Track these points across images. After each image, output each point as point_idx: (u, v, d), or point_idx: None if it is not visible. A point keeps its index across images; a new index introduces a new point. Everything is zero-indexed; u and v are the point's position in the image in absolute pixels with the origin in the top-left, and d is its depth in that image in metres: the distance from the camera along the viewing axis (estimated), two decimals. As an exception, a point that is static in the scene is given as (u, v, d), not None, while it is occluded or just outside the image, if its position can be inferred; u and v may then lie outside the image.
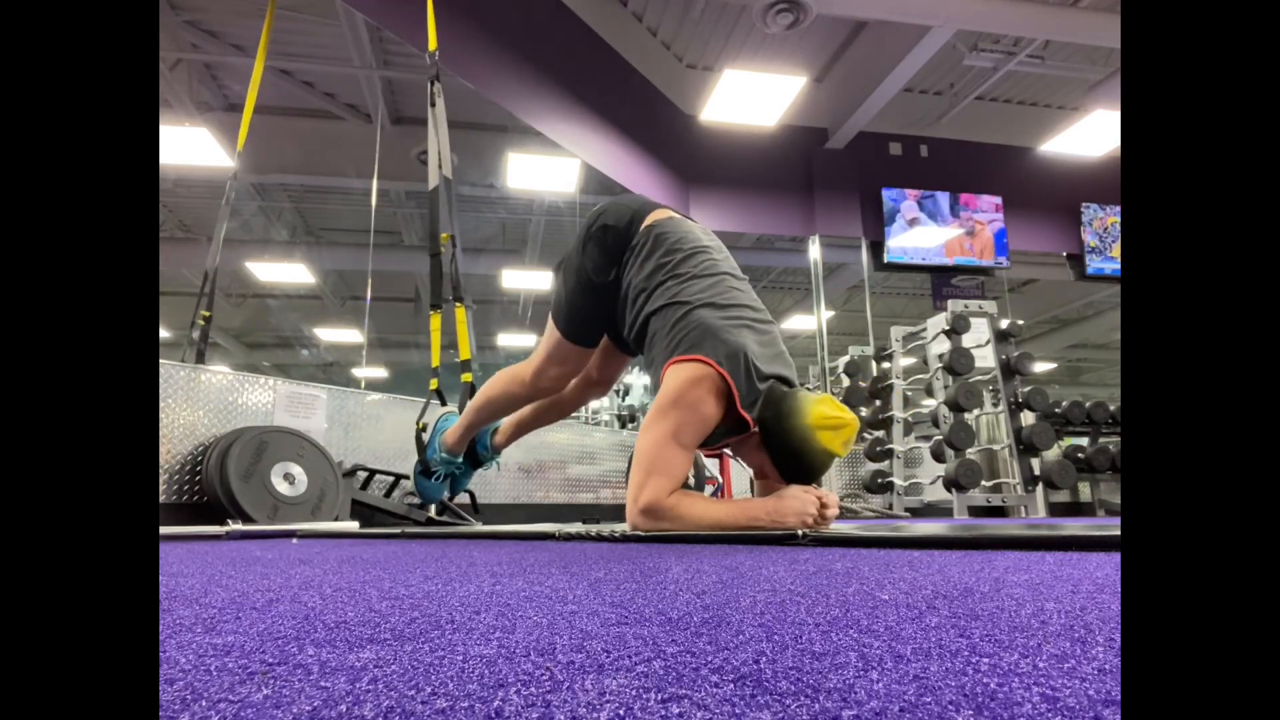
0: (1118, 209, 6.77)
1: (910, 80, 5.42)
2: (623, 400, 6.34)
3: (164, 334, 9.19)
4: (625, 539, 1.29)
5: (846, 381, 5.15)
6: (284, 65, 5.52)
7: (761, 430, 1.36)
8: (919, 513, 4.53)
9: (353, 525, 2.09)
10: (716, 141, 5.91)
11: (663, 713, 0.28)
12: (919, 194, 6.18)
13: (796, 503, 1.34)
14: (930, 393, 4.40)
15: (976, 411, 4.20)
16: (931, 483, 4.31)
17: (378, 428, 2.76)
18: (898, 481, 4.58)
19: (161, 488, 2.14)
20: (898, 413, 4.69)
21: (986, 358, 4.35)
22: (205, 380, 2.33)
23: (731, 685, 0.32)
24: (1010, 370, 4.28)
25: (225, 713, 0.29)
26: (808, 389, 1.44)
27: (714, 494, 3.74)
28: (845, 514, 3.57)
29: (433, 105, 2.73)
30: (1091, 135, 6.08)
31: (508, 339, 11.12)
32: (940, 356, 4.31)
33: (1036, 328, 10.50)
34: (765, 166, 6.05)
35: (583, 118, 4.83)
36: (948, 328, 4.33)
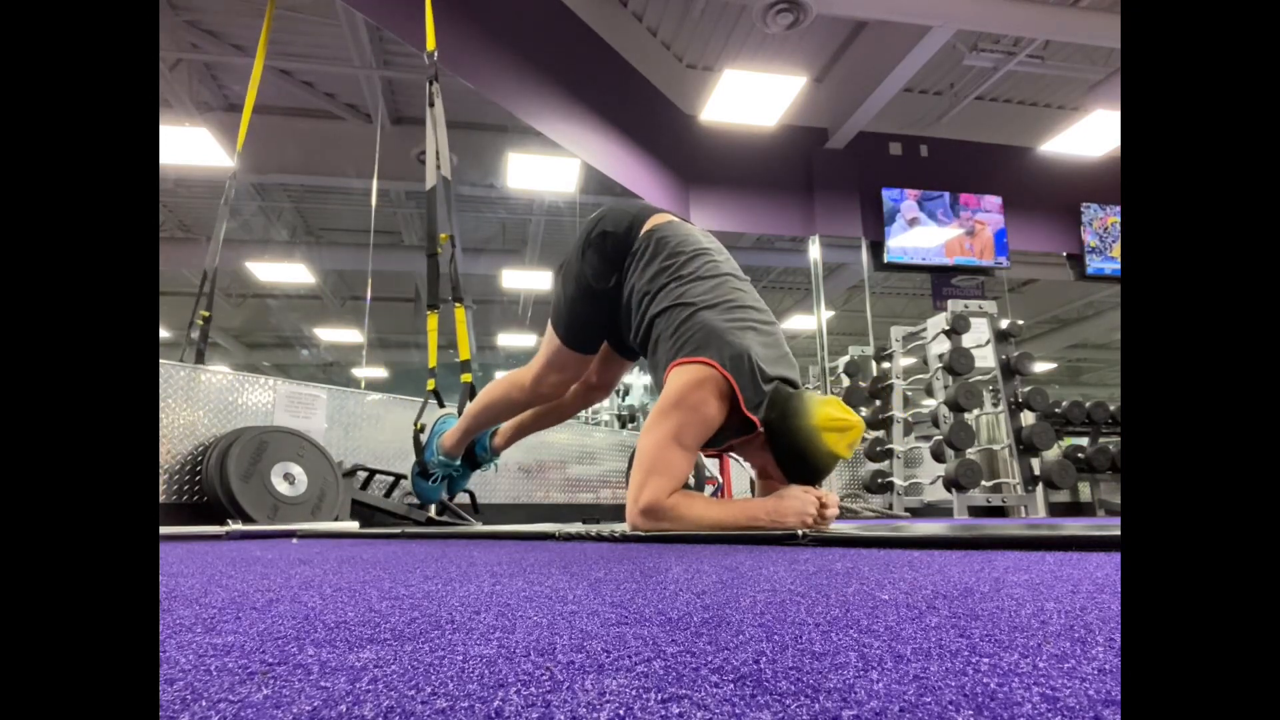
0: (1118, 209, 6.77)
1: (910, 80, 5.42)
2: (623, 400, 6.34)
3: (164, 334, 9.19)
4: (625, 539, 1.29)
5: (846, 381, 5.15)
6: (284, 65, 5.52)
7: (767, 431, 1.36)
8: (919, 513, 4.53)
9: (353, 525, 2.09)
10: (716, 141, 5.91)
11: (663, 713, 0.28)
12: (919, 194, 6.18)
13: (796, 503, 1.34)
14: (930, 393, 4.40)
15: (976, 411, 4.20)
16: (931, 483, 4.31)
17: (378, 428, 2.76)
18: (898, 481, 4.58)
19: (161, 488, 2.14)
20: (898, 413, 4.69)
21: (986, 358, 4.35)
22: (205, 380, 2.32)
23: (731, 685, 0.32)
24: (1010, 370, 4.28)
25: (225, 713, 0.29)
26: (809, 390, 1.44)
27: (714, 494, 3.74)
28: (845, 514, 3.57)
29: (431, 105, 2.73)
30: (1091, 135, 6.08)
31: (508, 339, 11.12)
32: (940, 356, 4.31)
33: (1036, 328, 10.50)
34: (765, 166, 6.05)
35: (583, 118, 4.83)
36: (948, 328, 4.33)
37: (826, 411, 1.33)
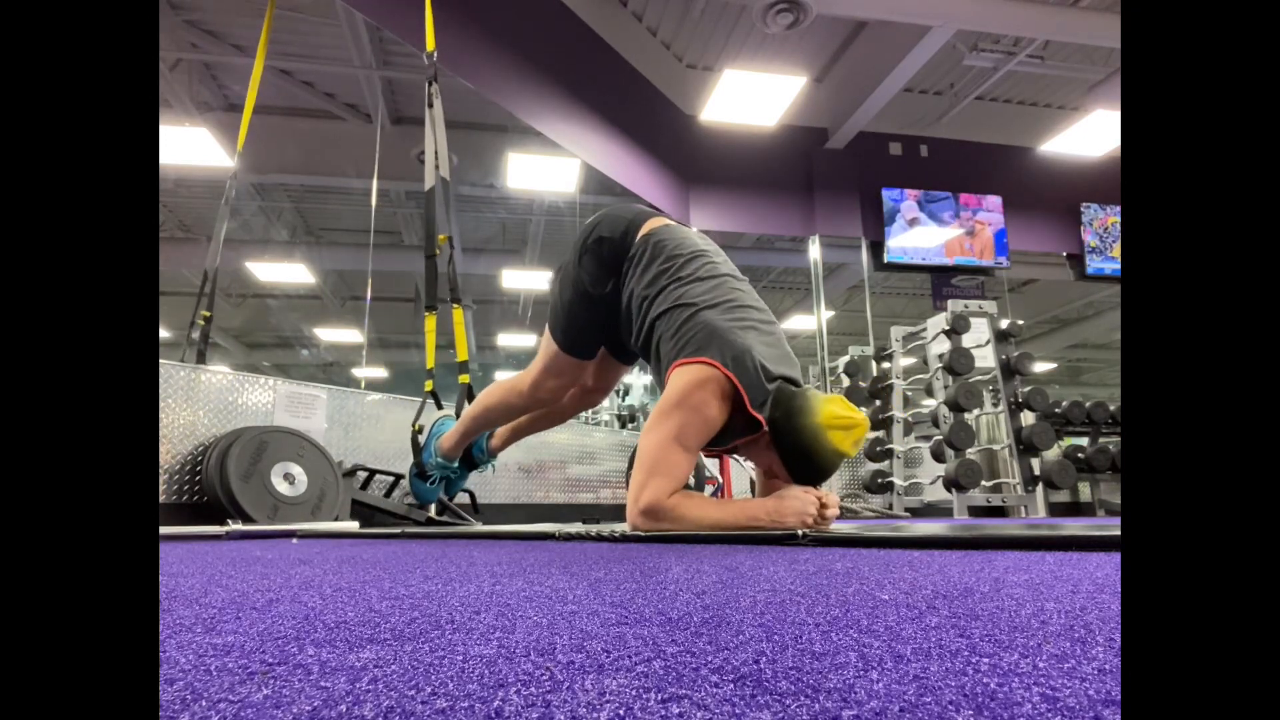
0: (1118, 209, 6.77)
1: (910, 80, 5.42)
2: (623, 400, 6.34)
3: (164, 334, 9.19)
4: (625, 539, 1.29)
5: (846, 381, 5.15)
6: (284, 65, 5.52)
7: (771, 430, 1.35)
8: (919, 513, 4.53)
9: (353, 525, 2.09)
10: (716, 141, 5.91)
11: (663, 713, 0.28)
12: (919, 194, 6.18)
13: (796, 503, 1.34)
14: (930, 393, 4.40)
15: (976, 411, 4.20)
16: (931, 483, 4.31)
17: (378, 428, 2.76)
18: (898, 481, 4.58)
19: (161, 488, 2.14)
20: (898, 413, 4.69)
21: (986, 358, 4.35)
22: (205, 380, 2.32)
23: (731, 685, 0.32)
24: (1010, 370, 4.28)
25: (225, 713, 0.29)
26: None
27: (714, 494, 3.74)
28: (845, 514, 3.57)
29: (430, 106, 2.73)
30: (1091, 135, 6.08)
31: (508, 339, 11.12)
32: (940, 356, 4.31)
33: (1036, 328, 10.50)
34: (765, 166, 6.05)
35: (583, 118, 4.83)
36: (948, 328, 4.33)
37: (831, 409, 1.33)
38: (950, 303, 4.59)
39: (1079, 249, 6.67)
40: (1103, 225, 6.72)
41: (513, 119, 4.46)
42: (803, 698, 0.30)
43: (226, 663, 0.38)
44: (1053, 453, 4.24)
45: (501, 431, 2.07)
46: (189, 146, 5.56)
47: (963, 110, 6.30)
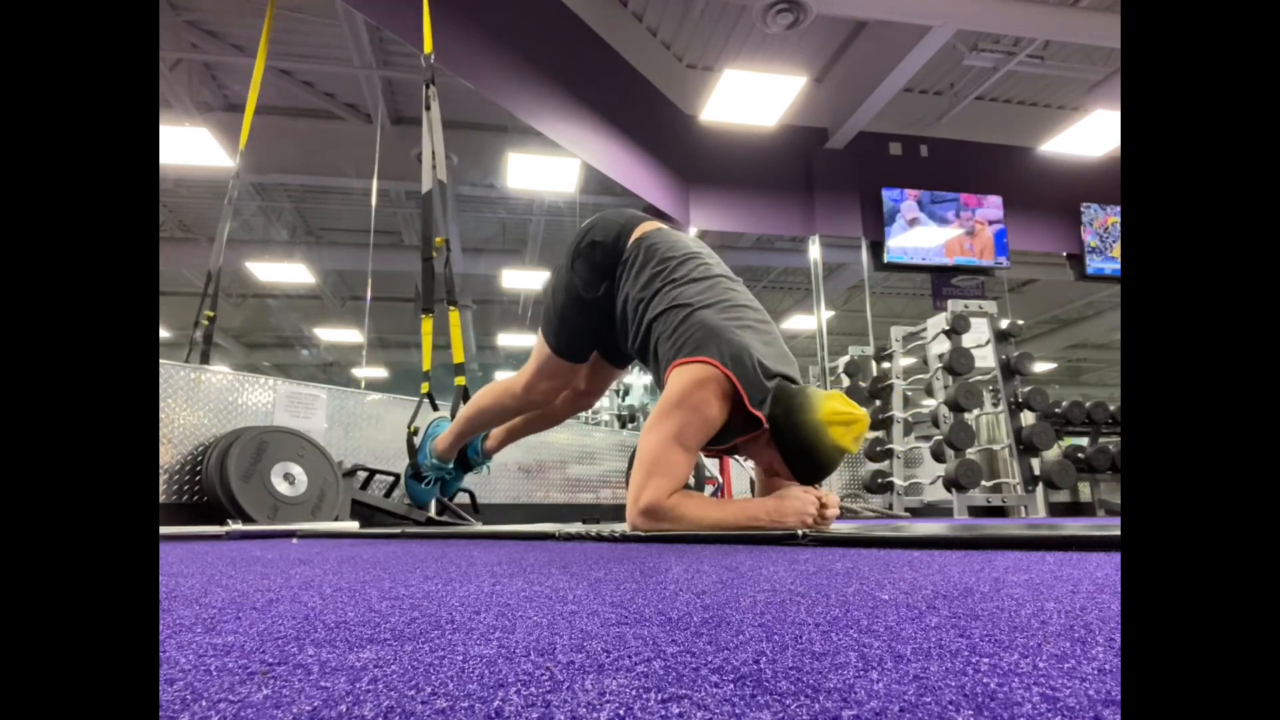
0: (1118, 209, 6.77)
1: (910, 80, 5.42)
2: (623, 400, 6.33)
3: (164, 334, 9.19)
4: (625, 539, 1.29)
5: (846, 381, 5.15)
6: (284, 65, 5.52)
7: (772, 428, 1.35)
8: (919, 513, 4.53)
9: (353, 525, 2.09)
10: (716, 141, 5.91)
11: (663, 713, 0.28)
12: (919, 194, 6.18)
13: (796, 503, 1.34)
14: (930, 393, 4.40)
15: (976, 411, 4.20)
16: (931, 483, 4.31)
17: (378, 428, 2.76)
18: (898, 481, 4.58)
19: (161, 488, 2.14)
20: (898, 413, 4.69)
21: (986, 358, 4.35)
22: (205, 380, 2.32)
23: (731, 685, 0.32)
24: (1010, 370, 4.27)
25: (225, 713, 0.29)
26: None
27: (714, 494, 3.74)
28: (845, 514, 3.57)
29: (427, 109, 2.73)
30: (1091, 135, 6.08)
31: (508, 339, 11.12)
32: (940, 356, 4.31)
33: (1036, 328, 10.50)
34: (765, 166, 6.05)
35: (583, 118, 4.83)
36: (948, 328, 4.33)
37: (831, 406, 1.33)
38: (950, 303, 4.58)
39: (1079, 249, 6.67)
40: (1103, 225, 6.72)
41: (513, 119, 4.46)
42: (803, 698, 0.30)
43: (226, 663, 0.38)
44: (1053, 453, 4.24)
45: (496, 433, 2.09)
46: (189, 146, 5.56)
47: (963, 110, 6.30)
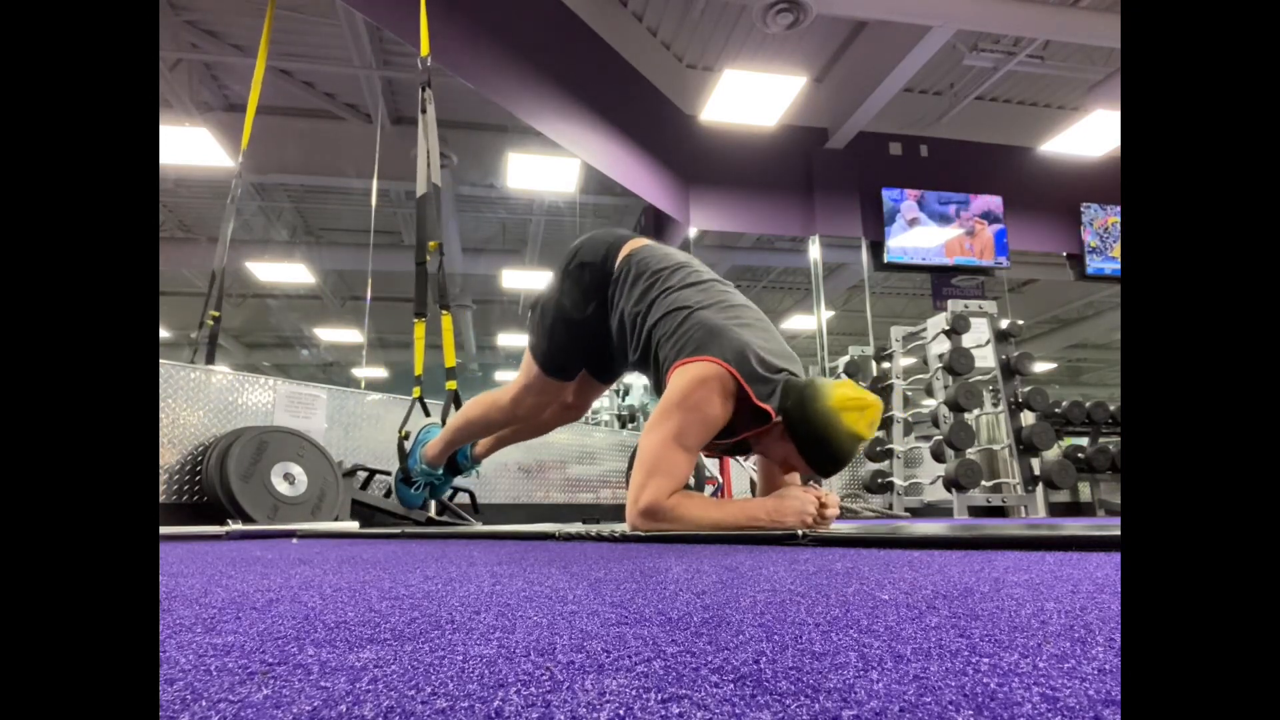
0: (1118, 209, 6.77)
1: (910, 80, 5.41)
2: (623, 400, 6.33)
3: (164, 334, 9.19)
4: (625, 539, 1.29)
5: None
6: (284, 65, 5.52)
7: (785, 421, 1.35)
8: (919, 513, 4.53)
9: (353, 525, 2.09)
10: (716, 141, 5.91)
11: (663, 713, 0.28)
12: (919, 194, 6.18)
13: (796, 503, 1.34)
14: (930, 393, 4.40)
15: (976, 411, 4.20)
16: (931, 483, 4.31)
17: (378, 428, 2.76)
18: (898, 481, 4.58)
19: (161, 488, 2.14)
20: (898, 413, 4.69)
21: (986, 358, 4.35)
22: (205, 380, 2.33)
23: (731, 685, 0.32)
24: (1010, 370, 4.27)
25: (225, 713, 0.29)
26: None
27: (714, 494, 3.74)
28: (845, 514, 3.57)
29: (423, 112, 2.73)
30: (1091, 135, 6.08)
31: (507, 339, 11.12)
32: (940, 356, 4.31)
33: (1036, 328, 10.50)
34: (765, 166, 6.05)
35: (583, 118, 4.83)
36: (948, 328, 4.33)
37: (842, 392, 1.33)
38: (950, 303, 4.59)
39: (1079, 249, 6.67)
40: (1103, 225, 6.72)
41: (513, 119, 4.46)
42: (803, 698, 0.30)
43: (226, 663, 0.38)
44: (1053, 453, 4.24)
45: (485, 441, 2.12)
46: (189, 146, 5.56)
47: (963, 110, 6.30)
